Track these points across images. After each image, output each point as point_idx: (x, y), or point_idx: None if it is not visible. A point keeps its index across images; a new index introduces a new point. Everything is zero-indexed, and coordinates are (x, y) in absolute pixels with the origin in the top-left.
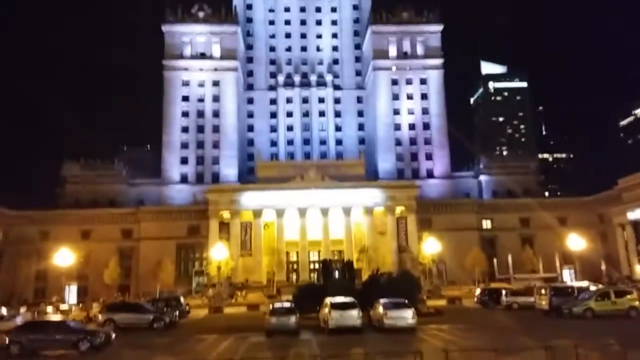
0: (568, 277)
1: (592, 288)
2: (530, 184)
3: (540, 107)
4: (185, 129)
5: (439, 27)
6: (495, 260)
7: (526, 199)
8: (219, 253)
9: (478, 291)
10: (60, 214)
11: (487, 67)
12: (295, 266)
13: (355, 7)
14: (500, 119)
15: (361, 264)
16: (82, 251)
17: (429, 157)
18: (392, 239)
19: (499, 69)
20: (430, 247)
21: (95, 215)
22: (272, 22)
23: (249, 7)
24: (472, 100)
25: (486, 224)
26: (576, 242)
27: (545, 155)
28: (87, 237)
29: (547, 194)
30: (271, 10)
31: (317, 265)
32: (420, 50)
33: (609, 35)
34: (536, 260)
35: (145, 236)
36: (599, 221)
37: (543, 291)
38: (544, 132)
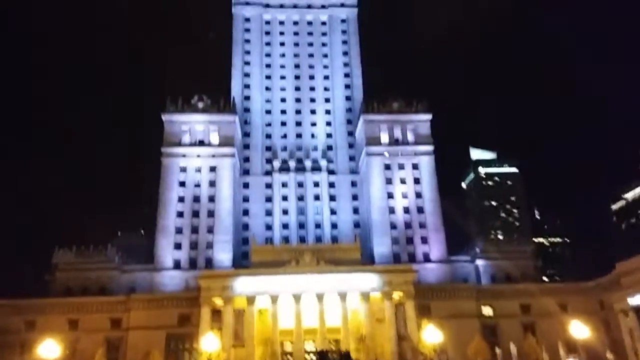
0: None
1: None
2: (528, 269)
3: (532, 192)
4: (180, 214)
5: (427, 117)
6: (497, 350)
7: (525, 284)
8: (210, 344)
9: None
10: (48, 303)
11: (477, 153)
12: (289, 357)
13: (347, 98)
14: (493, 203)
15: (359, 355)
16: (69, 342)
17: (424, 240)
18: (390, 327)
19: (488, 154)
20: (431, 335)
21: (83, 303)
22: (268, 112)
23: (247, 98)
24: (464, 184)
25: (486, 310)
26: (579, 330)
27: (541, 240)
28: (75, 327)
29: (545, 279)
30: (268, 101)
31: (312, 357)
32: (411, 137)
33: (594, 120)
34: (540, 350)
35: (135, 325)
36: (600, 307)
37: None
38: (537, 216)
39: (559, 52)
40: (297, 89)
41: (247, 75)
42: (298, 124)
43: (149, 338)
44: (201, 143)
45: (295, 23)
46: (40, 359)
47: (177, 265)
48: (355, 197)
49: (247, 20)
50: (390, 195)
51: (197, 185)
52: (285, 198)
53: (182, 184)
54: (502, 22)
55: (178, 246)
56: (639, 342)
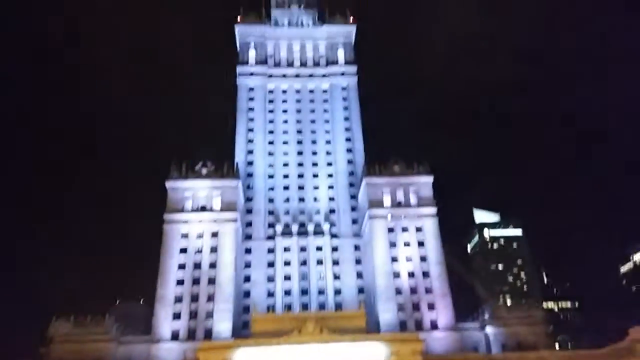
0: None
1: None
2: (540, 336)
3: (538, 256)
4: (180, 282)
5: (429, 179)
6: None
7: (538, 352)
8: None
9: None
10: None
11: (480, 216)
12: None
13: (349, 162)
14: (500, 267)
15: None
16: None
17: (431, 306)
18: None
19: (492, 217)
20: None
21: None
22: (271, 176)
23: (250, 163)
24: (469, 247)
25: None
26: None
27: (551, 304)
28: None
29: (557, 345)
30: (271, 166)
31: None
32: (413, 199)
33: (598, 180)
34: None
35: None
36: None
37: None
38: (545, 280)
39: (560, 115)
40: (300, 153)
41: (250, 141)
42: (300, 187)
43: None
44: (203, 209)
45: (298, 91)
46: None
47: (175, 336)
48: (358, 261)
49: (251, 89)
50: (394, 259)
51: (199, 252)
52: (287, 263)
53: (183, 250)
54: (502, 87)
55: (177, 316)
56: None
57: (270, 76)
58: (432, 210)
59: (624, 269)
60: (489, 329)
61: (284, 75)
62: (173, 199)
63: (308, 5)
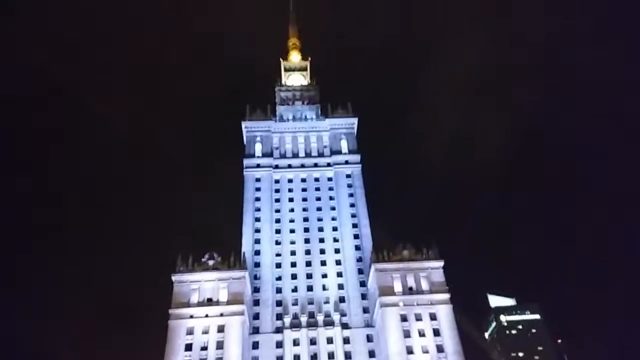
0: None
1: None
2: None
3: (559, 340)
4: None
5: (439, 264)
6: None
7: None
8: None
9: None
10: None
11: (495, 300)
12: None
13: (357, 248)
14: (520, 355)
15: None
16: None
17: None
18: None
19: (507, 301)
20: None
21: None
22: (278, 265)
23: (257, 252)
24: (487, 335)
25: None
26: None
27: None
28: None
29: None
30: (278, 254)
31: None
32: (425, 285)
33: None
34: None
35: None
36: None
37: None
38: None
39: (562, 194)
40: (307, 241)
41: (257, 230)
42: (309, 276)
43: None
44: (209, 301)
45: (303, 180)
46: None
47: None
48: (372, 354)
49: (258, 180)
50: (409, 351)
51: (204, 349)
52: (297, 357)
53: (189, 347)
54: (502, 167)
55: None
56: None
57: (276, 167)
58: (446, 296)
59: None
60: None
61: (290, 166)
62: (179, 293)
63: (311, 102)
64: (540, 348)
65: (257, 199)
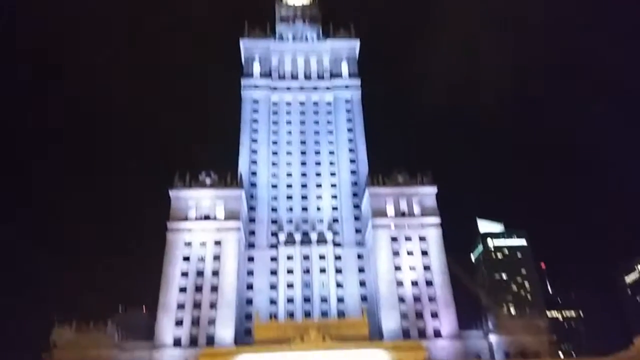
0: None
1: None
2: (543, 344)
3: (542, 265)
4: (183, 289)
5: (433, 189)
6: None
7: None
8: None
9: None
10: None
11: (484, 225)
12: None
13: (353, 172)
14: (504, 276)
15: None
16: None
17: (434, 315)
18: None
19: (496, 227)
20: None
21: None
22: (274, 186)
23: (254, 173)
24: (473, 257)
25: None
26: None
27: (555, 314)
28: None
29: (561, 354)
30: (274, 176)
31: None
32: (417, 209)
33: (606, 187)
34: None
35: None
36: None
37: None
38: (549, 290)
39: (559, 120)
40: (303, 164)
41: (254, 151)
42: (304, 197)
43: None
44: (207, 217)
45: (302, 103)
46: None
47: (177, 342)
48: (361, 270)
49: (256, 101)
50: (397, 268)
51: (201, 260)
52: (290, 271)
53: (186, 258)
54: (501, 94)
55: (179, 323)
56: None
57: (275, 89)
58: (436, 220)
59: (629, 279)
60: (493, 337)
61: (288, 88)
62: (176, 208)
63: (312, 21)
64: (523, 272)
65: (255, 121)
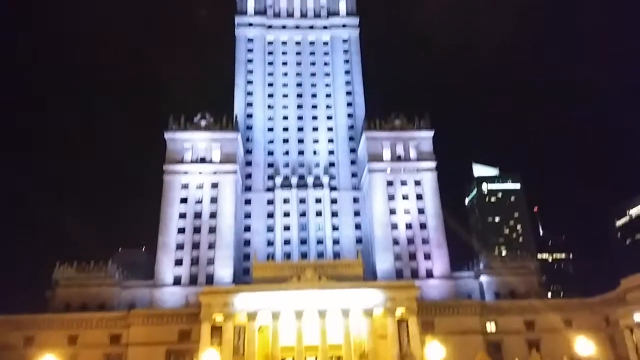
0: None
1: None
2: (533, 285)
3: (535, 209)
4: (181, 230)
5: (429, 134)
6: None
7: (530, 300)
8: None
9: None
10: (48, 319)
11: (480, 170)
12: None
13: (350, 116)
14: (497, 220)
15: None
16: (68, 358)
17: (427, 257)
18: (394, 343)
19: (491, 171)
20: (434, 352)
21: (83, 319)
22: (271, 129)
23: (250, 116)
24: (467, 201)
25: (490, 327)
26: (585, 346)
27: (545, 256)
28: (74, 343)
29: (550, 295)
30: (270, 119)
31: None
32: (413, 154)
33: (598, 133)
34: None
35: (135, 342)
36: (606, 324)
37: None
38: (541, 233)
39: (558, 66)
40: (300, 107)
41: (250, 94)
42: (300, 141)
43: (149, 354)
44: (203, 160)
45: (298, 43)
46: None
47: (177, 281)
48: (357, 214)
49: (250, 41)
50: (392, 212)
51: (199, 202)
52: (287, 214)
53: (184, 200)
54: (501, 38)
55: (179, 262)
56: None
57: (270, 27)
58: (432, 164)
59: (619, 222)
60: (484, 278)
61: (284, 27)
62: (173, 151)
63: None
64: (516, 215)
65: (250, 61)
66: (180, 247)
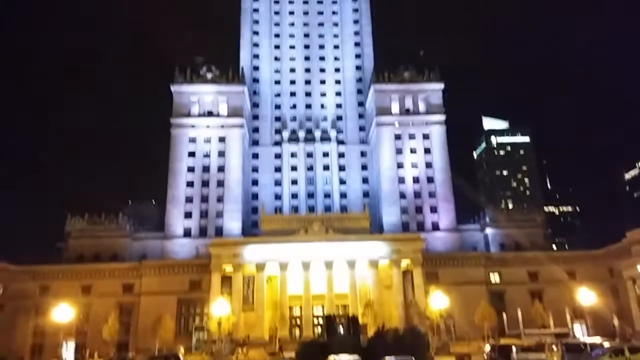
0: (579, 332)
1: (606, 344)
2: (538, 237)
3: (544, 161)
4: (190, 184)
5: (439, 86)
6: (504, 315)
7: (534, 252)
8: (220, 308)
9: (487, 347)
10: (62, 269)
11: (489, 123)
12: (298, 321)
13: (358, 67)
14: (505, 173)
15: (366, 319)
16: (82, 306)
17: (434, 210)
18: (398, 293)
19: (500, 124)
20: (438, 301)
21: (96, 270)
22: (277, 82)
23: (256, 68)
24: (475, 154)
25: (494, 277)
26: (587, 296)
27: (552, 209)
28: (88, 292)
29: (554, 247)
30: (277, 71)
31: (320, 320)
32: (422, 107)
33: (609, 86)
34: (546, 315)
35: (146, 291)
36: (609, 275)
37: (555, 347)
38: (548, 186)
39: (574, 18)
40: (307, 58)
41: (256, 45)
42: (307, 94)
43: (161, 303)
44: (210, 114)
45: None
46: (54, 322)
47: (187, 233)
48: (364, 167)
49: None
50: (400, 165)
51: (207, 156)
52: (294, 168)
53: (192, 154)
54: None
55: (188, 215)
56: None
57: None
58: (441, 117)
59: (628, 175)
60: (489, 230)
61: None
62: (179, 104)
63: None
64: (524, 168)
65: (255, 10)
66: (189, 200)
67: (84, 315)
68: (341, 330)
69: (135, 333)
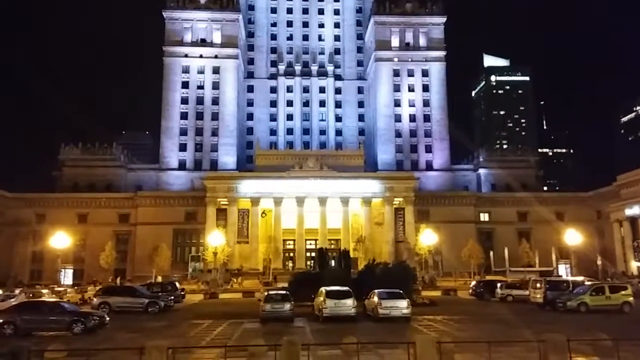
0: (564, 271)
1: (587, 283)
2: (529, 179)
3: (542, 102)
4: (184, 116)
5: (442, 19)
6: (491, 253)
7: (524, 193)
8: (215, 239)
9: (473, 283)
10: (57, 198)
11: (490, 60)
12: (291, 254)
13: None
14: (502, 113)
15: (358, 254)
16: (79, 234)
17: (428, 149)
18: (389, 230)
19: (501, 62)
20: (427, 238)
21: (92, 199)
22: (274, 10)
23: None
24: (473, 93)
25: (484, 217)
26: (573, 237)
27: (545, 150)
28: (84, 221)
29: (545, 188)
30: None
31: (313, 254)
32: (422, 41)
33: (611, 29)
34: (532, 254)
35: (142, 221)
36: (597, 217)
37: (538, 284)
38: (544, 127)
39: None
40: None
41: None
42: (305, 24)
43: (157, 233)
44: (203, 42)
45: None
46: (52, 249)
47: (182, 165)
48: (361, 104)
49: None
50: (397, 103)
51: (201, 87)
52: (290, 103)
53: (185, 85)
54: None
55: (183, 147)
56: (628, 249)
57: None
58: (441, 53)
59: (625, 119)
60: (482, 171)
61: None
62: (171, 30)
63: None
64: (522, 108)
65: None
66: (183, 132)
67: (81, 243)
68: (333, 263)
69: (132, 261)
